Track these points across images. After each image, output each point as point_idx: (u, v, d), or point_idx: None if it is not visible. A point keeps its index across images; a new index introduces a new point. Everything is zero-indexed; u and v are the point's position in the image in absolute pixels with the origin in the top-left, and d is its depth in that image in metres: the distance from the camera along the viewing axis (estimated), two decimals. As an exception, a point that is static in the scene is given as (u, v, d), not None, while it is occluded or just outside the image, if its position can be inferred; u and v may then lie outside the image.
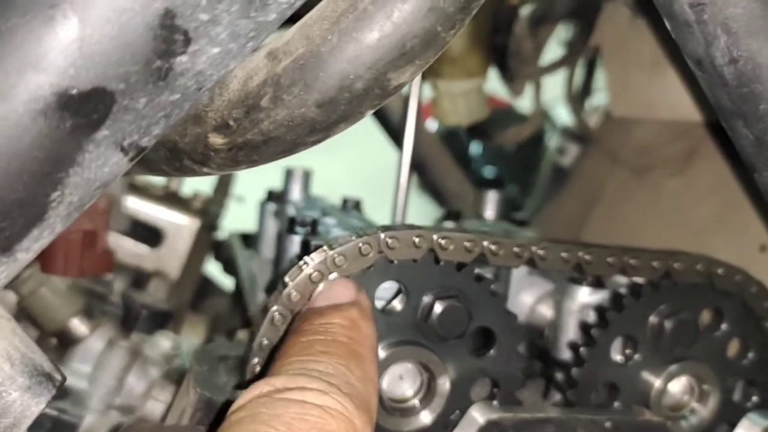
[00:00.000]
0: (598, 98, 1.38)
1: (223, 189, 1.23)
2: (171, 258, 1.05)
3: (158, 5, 0.29)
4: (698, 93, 0.43)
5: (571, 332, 0.67)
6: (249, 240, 1.08)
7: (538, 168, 1.75)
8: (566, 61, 1.16)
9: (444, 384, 0.59)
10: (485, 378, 0.61)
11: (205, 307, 1.12)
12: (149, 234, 1.05)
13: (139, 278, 1.02)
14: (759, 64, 0.40)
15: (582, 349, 0.64)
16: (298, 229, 0.79)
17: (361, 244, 0.57)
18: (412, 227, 0.59)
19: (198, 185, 1.23)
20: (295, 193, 1.05)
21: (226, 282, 1.20)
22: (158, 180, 1.17)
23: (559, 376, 0.65)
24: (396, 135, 1.42)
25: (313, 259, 0.56)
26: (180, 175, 0.44)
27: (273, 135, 0.39)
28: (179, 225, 1.06)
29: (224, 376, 0.58)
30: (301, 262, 0.57)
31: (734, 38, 0.39)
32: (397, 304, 0.59)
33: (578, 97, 1.33)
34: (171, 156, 0.42)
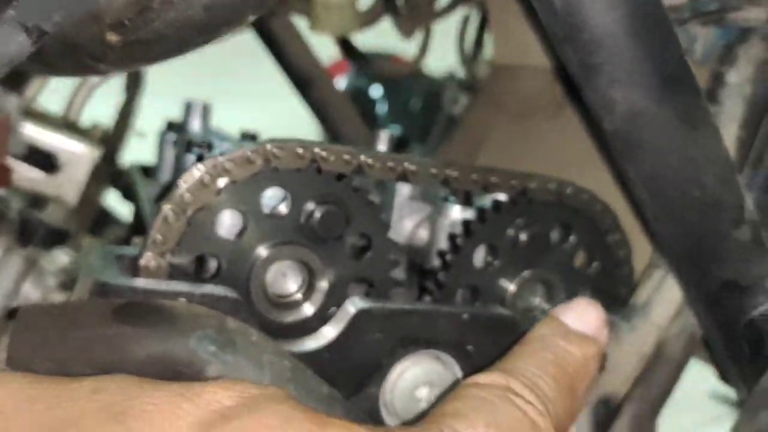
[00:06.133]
0: (490, 50, 1.47)
1: (123, 121, 1.25)
2: (68, 185, 1.07)
3: None
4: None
5: (441, 244, 0.75)
6: (148, 171, 1.11)
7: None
8: (449, 10, 1.24)
9: (323, 281, 0.66)
10: (361, 278, 0.69)
11: (103, 235, 1.15)
12: (46, 161, 1.06)
13: (36, 202, 1.04)
14: (581, -4, 0.48)
15: (448, 256, 0.72)
16: (195, 149, 0.84)
17: (249, 153, 0.63)
18: (299, 141, 0.66)
19: (98, 117, 1.24)
20: (195, 125, 1.08)
21: (125, 212, 1.23)
22: (57, 109, 1.18)
23: (429, 283, 0.74)
24: (300, 83, 1.48)
25: (205, 165, 0.62)
26: (80, 74, 0.49)
27: (164, 34, 0.44)
28: (77, 153, 1.08)
29: (119, 271, 0.62)
30: (194, 168, 0.63)
31: (560, -28, 0.47)
32: (283, 209, 0.65)
33: (470, 49, 1.41)
34: (71, 53, 0.47)
